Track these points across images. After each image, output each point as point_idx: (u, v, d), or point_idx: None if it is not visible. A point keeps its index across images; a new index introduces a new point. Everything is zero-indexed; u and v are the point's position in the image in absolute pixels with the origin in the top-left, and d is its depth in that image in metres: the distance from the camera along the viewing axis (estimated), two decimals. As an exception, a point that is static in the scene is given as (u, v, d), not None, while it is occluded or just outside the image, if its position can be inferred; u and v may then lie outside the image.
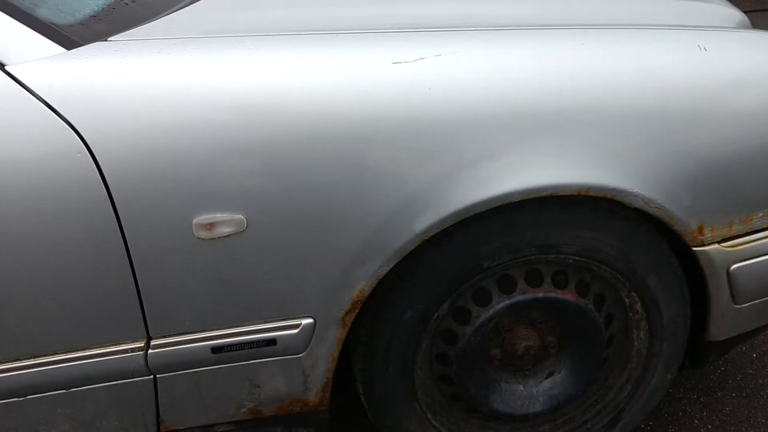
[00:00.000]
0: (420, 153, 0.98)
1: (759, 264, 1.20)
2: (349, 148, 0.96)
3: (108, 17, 1.09)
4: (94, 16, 1.07)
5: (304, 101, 0.96)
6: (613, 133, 1.03)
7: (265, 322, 1.05)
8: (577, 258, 1.13)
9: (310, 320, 1.06)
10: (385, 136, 0.97)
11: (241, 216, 0.96)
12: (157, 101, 0.92)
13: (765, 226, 1.18)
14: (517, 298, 1.16)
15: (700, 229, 1.13)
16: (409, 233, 1.01)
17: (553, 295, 1.17)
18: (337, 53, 1.00)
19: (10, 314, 0.97)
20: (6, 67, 0.92)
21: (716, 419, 1.53)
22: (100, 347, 1.02)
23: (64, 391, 1.03)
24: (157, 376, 1.05)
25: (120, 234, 0.94)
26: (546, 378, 1.28)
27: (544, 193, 1.02)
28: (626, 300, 1.22)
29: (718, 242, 1.15)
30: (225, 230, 0.97)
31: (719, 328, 1.25)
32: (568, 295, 1.18)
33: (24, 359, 1.00)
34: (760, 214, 1.17)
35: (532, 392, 1.27)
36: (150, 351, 1.03)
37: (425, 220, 1.00)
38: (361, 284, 1.04)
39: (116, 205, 0.93)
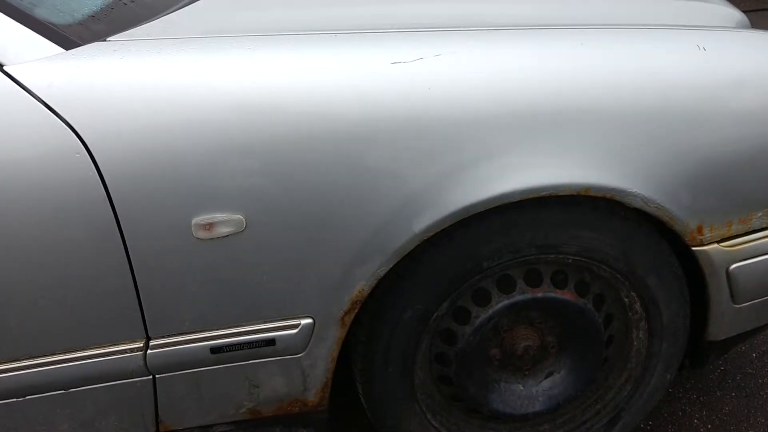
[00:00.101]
0: (420, 153, 0.98)
1: (758, 264, 1.20)
2: (348, 148, 0.96)
3: (107, 17, 1.09)
4: (93, 16, 1.07)
5: (303, 101, 0.95)
6: (612, 133, 1.03)
7: (265, 322, 1.05)
8: (576, 258, 1.13)
9: (309, 320, 1.06)
10: (385, 136, 0.97)
11: (240, 216, 0.96)
12: (156, 101, 0.92)
13: (764, 225, 1.18)
14: (517, 298, 1.16)
15: (700, 229, 1.13)
16: (409, 233, 1.01)
17: (552, 295, 1.17)
18: (337, 53, 1.00)
19: (9, 314, 0.97)
20: (5, 68, 0.91)
21: (716, 419, 1.54)
22: (99, 347, 1.01)
23: (63, 391, 1.03)
24: (157, 376, 1.05)
25: (119, 234, 0.94)
26: (545, 378, 1.28)
27: (544, 193, 1.02)
28: (626, 300, 1.22)
29: (718, 242, 1.16)
30: (224, 230, 0.96)
31: (719, 328, 1.25)
32: (567, 295, 1.18)
33: (23, 359, 1.00)
34: (760, 214, 1.17)
35: (532, 392, 1.27)
36: (149, 351, 1.02)
37: (425, 220, 1.00)
38: (361, 284, 1.04)
39: (115, 206, 0.93)
